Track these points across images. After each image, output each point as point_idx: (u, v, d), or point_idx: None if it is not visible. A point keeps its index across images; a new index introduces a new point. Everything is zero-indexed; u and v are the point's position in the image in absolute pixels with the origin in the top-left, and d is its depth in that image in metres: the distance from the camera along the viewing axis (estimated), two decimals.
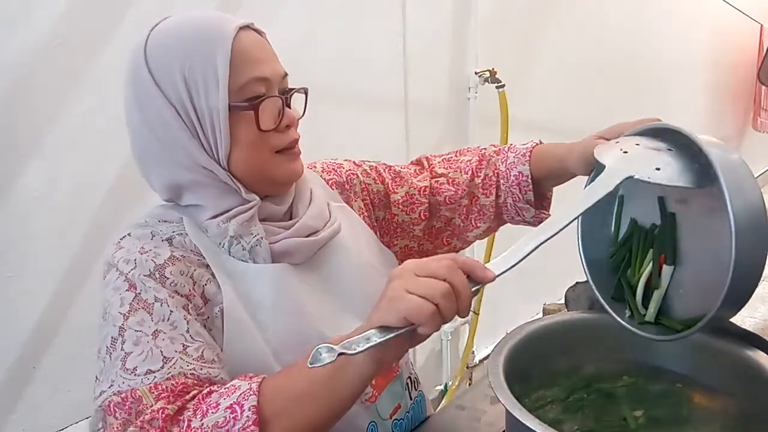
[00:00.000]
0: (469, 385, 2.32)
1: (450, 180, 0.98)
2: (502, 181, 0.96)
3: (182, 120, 0.72)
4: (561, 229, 0.63)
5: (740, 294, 0.62)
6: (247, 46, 0.73)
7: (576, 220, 0.68)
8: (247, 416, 0.57)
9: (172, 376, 0.63)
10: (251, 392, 0.59)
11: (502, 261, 0.61)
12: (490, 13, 2.18)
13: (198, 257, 0.74)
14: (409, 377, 0.92)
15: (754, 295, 0.62)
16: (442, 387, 2.31)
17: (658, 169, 0.65)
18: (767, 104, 5.05)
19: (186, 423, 0.59)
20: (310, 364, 0.53)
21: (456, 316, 0.59)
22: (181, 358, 0.65)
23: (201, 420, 0.58)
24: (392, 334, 0.56)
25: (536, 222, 0.98)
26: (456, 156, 1.01)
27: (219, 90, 0.71)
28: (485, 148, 1.01)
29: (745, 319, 2.88)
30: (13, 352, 1.17)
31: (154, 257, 0.71)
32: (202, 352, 0.67)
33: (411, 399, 0.91)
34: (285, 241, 0.77)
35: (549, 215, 0.97)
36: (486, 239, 2.22)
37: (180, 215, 0.77)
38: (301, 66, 1.62)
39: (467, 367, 2.33)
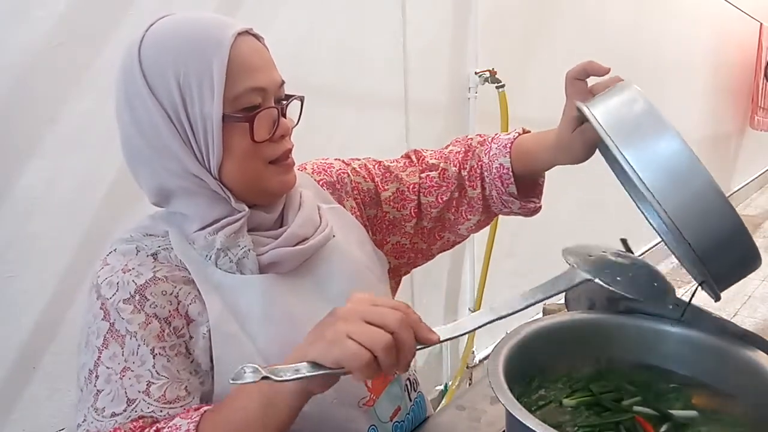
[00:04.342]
0: (469, 385, 2.32)
1: (441, 172, 0.96)
2: (485, 173, 0.94)
3: (174, 126, 0.71)
4: (514, 313, 0.66)
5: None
6: (245, 53, 0.71)
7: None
8: None
9: (131, 419, 0.65)
10: None
11: (451, 328, 0.64)
12: (490, 13, 2.18)
13: (183, 273, 0.74)
14: (408, 379, 0.91)
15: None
16: (442, 387, 2.31)
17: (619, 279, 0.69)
18: (765, 103, 5.06)
19: None
20: (232, 380, 0.55)
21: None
22: (144, 400, 0.66)
23: None
24: (321, 372, 0.57)
25: (524, 213, 0.96)
26: (445, 148, 1.00)
27: (214, 99, 0.69)
28: (471, 138, 0.99)
29: (745, 319, 2.88)
30: (13, 352, 1.17)
31: (136, 277, 0.70)
32: (164, 391, 0.67)
33: (410, 401, 0.90)
34: (272, 252, 0.76)
35: (538, 204, 0.95)
36: (486, 239, 2.22)
37: (166, 228, 0.76)
38: (302, 66, 1.63)
39: (467, 367, 2.33)
